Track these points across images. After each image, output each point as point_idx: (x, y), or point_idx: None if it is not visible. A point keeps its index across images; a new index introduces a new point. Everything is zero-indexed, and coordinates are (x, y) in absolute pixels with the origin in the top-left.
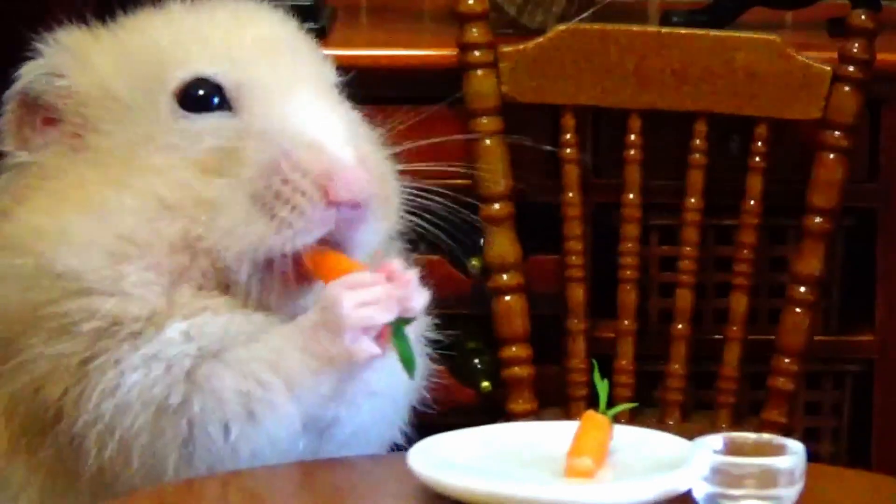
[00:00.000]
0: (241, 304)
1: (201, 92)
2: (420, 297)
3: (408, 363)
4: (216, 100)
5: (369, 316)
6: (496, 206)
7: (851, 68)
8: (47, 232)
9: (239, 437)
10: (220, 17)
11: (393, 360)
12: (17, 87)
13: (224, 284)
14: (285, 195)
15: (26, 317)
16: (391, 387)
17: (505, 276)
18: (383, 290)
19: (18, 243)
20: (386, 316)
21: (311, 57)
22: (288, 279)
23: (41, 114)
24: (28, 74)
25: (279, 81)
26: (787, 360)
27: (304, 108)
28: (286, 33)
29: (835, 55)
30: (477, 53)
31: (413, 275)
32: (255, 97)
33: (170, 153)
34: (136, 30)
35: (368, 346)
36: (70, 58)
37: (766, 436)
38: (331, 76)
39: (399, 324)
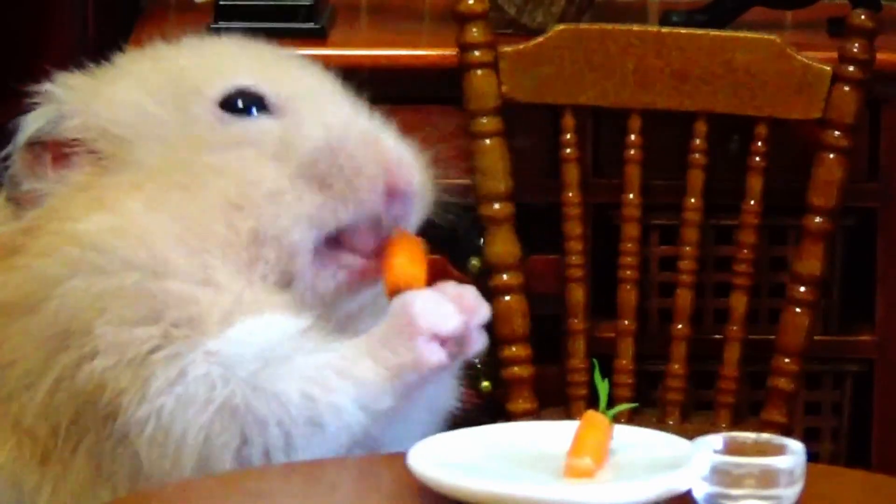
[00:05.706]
0: (301, 302)
1: (242, 102)
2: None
3: None
4: (256, 109)
5: (441, 320)
6: (496, 206)
7: (851, 68)
8: (121, 229)
9: (299, 441)
10: (245, 44)
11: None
12: (23, 138)
13: (286, 279)
14: (338, 171)
15: (99, 305)
16: (442, 408)
17: (505, 276)
18: (454, 303)
19: (88, 240)
20: (457, 324)
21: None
22: (350, 273)
23: (50, 154)
24: (32, 124)
25: (320, 90)
26: (787, 360)
27: (349, 109)
28: (309, 61)
29: (835, 55)
30: (477, 53)
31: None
32: (298, 103)
33: (223, 152)
34: (156, 58)
35: (439, 353)
36: (77, 95)
37: (766, 436)
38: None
39: None
